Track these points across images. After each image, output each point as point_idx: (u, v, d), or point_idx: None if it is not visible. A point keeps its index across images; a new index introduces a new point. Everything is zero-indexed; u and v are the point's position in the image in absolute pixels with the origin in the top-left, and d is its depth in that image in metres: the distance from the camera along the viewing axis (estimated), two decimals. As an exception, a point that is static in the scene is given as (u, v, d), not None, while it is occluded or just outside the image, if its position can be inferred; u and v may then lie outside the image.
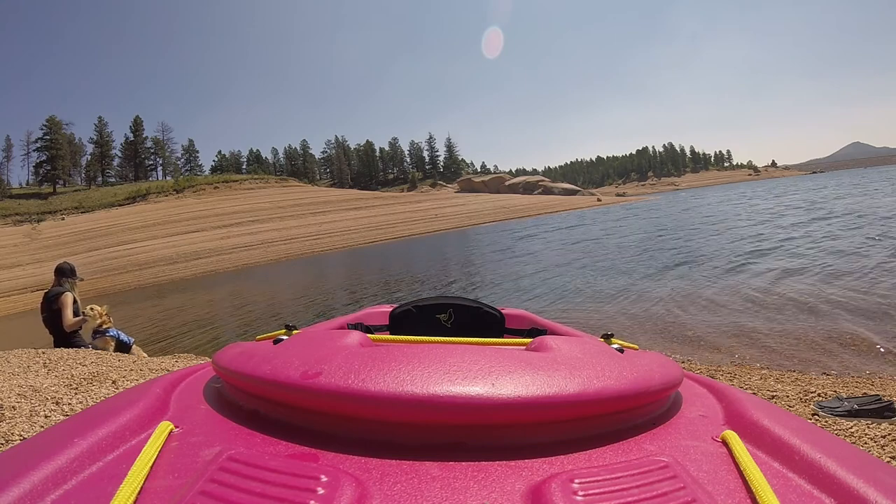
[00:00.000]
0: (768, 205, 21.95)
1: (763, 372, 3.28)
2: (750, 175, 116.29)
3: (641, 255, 10.31)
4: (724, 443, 0.50)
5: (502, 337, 1.42)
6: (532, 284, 8.43)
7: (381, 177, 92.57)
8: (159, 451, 0.46)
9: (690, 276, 7.14)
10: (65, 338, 3.96)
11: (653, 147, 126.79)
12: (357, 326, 1.44)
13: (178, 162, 74.83)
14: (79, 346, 3.88)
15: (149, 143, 72.52)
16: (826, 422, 1.95)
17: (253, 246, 29.19)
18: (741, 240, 10.66)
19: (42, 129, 60.74)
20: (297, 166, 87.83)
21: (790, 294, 5.36)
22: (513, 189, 70.28)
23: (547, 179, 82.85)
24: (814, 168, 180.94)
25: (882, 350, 3.52)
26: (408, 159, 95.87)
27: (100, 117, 70.00)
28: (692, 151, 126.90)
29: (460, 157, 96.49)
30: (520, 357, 0.57)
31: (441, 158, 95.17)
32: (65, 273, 4.13)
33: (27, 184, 60.21)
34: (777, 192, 34.66)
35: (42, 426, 1.85)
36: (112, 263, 24.88)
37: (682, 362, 3.63)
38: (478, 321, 1.45)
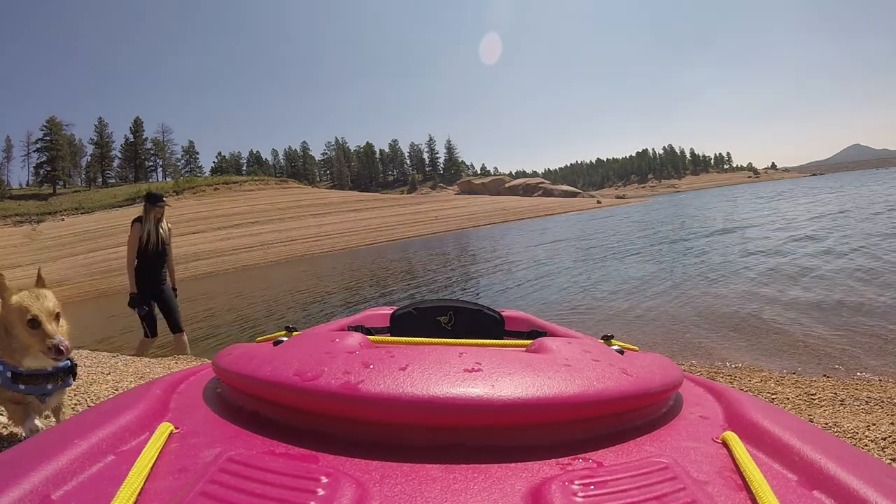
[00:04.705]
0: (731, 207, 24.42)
1: (763, 374, 3.28)
2: (749, 177, 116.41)
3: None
4: (725, 444, 0.50)
5: (502, 339, 1.42)
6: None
7: (381, 179, 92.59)
8: (159, 453, 0.46)
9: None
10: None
11: (653, 149, 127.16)
12: (358, 328, 1.44)
13: (179, 163, 74.90)
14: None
15: (149, 145, 72.51)
16: (826, 422, 1.95)
17: (253, 247, 29.14)
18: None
19: (42, 130, 60.98)
20: (296, 168, 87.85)
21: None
22: (513, 191, 70.20)
23: (547, 181, 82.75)
24: (813, 170, 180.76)
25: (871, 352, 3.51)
26: (408, 161, 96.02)
27: (100, 118, 70.17)
28: (692, 153, 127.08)
29: (460, 159, 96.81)
30: (520, 358, 0.57)
31: (441, 160, 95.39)
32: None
33: (27, 184, 60.23)
34: (757, 195, 35.69)
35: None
36: (112, 265, 24.79)
37: (682, 364, 3.62)
38: (478, 323, 1.45)
